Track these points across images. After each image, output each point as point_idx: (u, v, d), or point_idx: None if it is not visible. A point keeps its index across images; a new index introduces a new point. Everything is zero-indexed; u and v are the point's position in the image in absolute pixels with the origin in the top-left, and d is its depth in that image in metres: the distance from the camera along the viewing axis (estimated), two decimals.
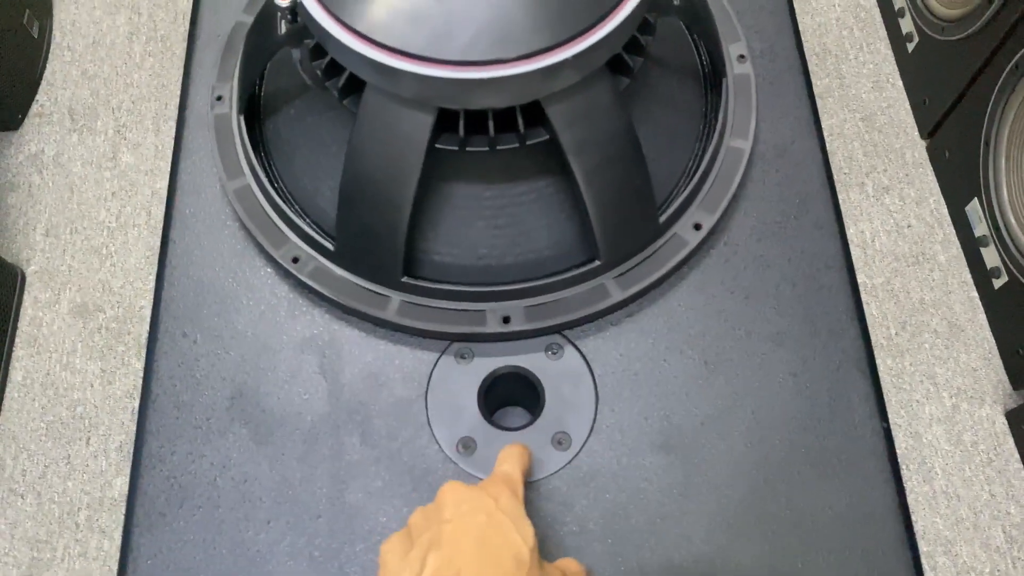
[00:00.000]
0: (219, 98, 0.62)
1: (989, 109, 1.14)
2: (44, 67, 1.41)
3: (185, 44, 1.42)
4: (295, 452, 0.53)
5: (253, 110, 0.62)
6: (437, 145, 0.50)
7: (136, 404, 1.15)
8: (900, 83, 1.38)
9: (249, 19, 0.64)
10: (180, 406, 0.55)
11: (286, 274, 0.58)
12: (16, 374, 1.20)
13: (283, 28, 0.53)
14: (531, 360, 0.55)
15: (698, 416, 0.54)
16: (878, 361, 1.16)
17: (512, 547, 0.40)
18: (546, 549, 0.50)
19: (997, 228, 1.16)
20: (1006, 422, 1.15)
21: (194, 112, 0.65)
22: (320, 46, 0.50)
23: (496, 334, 0.55)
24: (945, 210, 1.29)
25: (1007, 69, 1.10)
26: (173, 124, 1.34)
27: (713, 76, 0.62)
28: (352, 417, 0.54)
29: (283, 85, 0.61)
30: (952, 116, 1.26)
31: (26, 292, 1.25)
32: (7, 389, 1.19)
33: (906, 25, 1.36)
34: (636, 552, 0.50)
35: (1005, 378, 1.18)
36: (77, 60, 1.42)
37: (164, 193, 1.29)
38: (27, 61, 1.38)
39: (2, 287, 1.21)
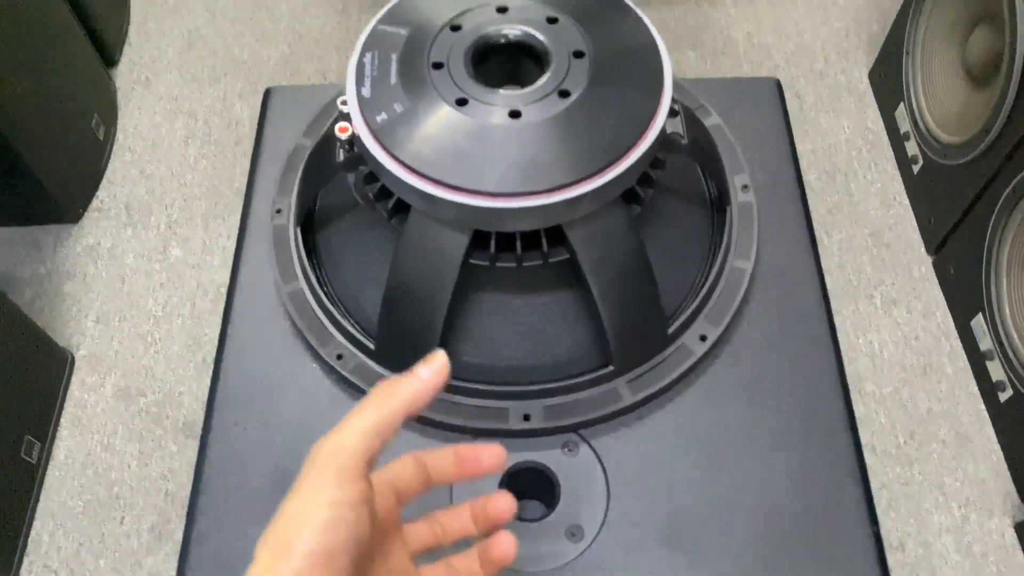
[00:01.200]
0: (278, 211, 0.70)
1: (990, 229, 1.21)
2: (106, 166, 1.52)
3: (235, 148, 1.53)
4: None
5: (308, 222, 0.69)
6: (471, 260, 0.57)
7: (170, 486, 1.21)
8: (907, 201, 1.46)
9: (308, 142, 0.73)
10: (228, 488, 0.61)
11: (330, 369, 0.64)
12: (59, 452, 1.26)
13: (341, 156, 0.61)
14: (548, 456, 0.61)
15: (702, 513, 0.59)
16: (887, 469, 1.20)
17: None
18: None
19: (1001, 343, 1.21)
20: (1015, 534, 1.17)
21: (255, 222, 0.73)
22: (373, 173, 0.58)
23: (517, 431, 0.60)
24: (952, 324, 1.34)
25: (1005, 193, 1.17)
26: (221, 222, 1.45)
27: (719, 202, 0.69)
28: None
29: (336, 202, 0.69)
30: (955, 234, 1.32)
31: (74, 375, 1.32)
32: (49, 467, 1.25)
33: (911, 148, 1.44)
34: None
35: (1014, 490, 1.20)
36: (136, 160, 1.54)
37: (208, 285, 1.38)
38: (91, 161, 1.50)
39: (52, 369, 1.29)
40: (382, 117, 0.55)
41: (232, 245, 1.39)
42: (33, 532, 1.20)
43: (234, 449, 0.62)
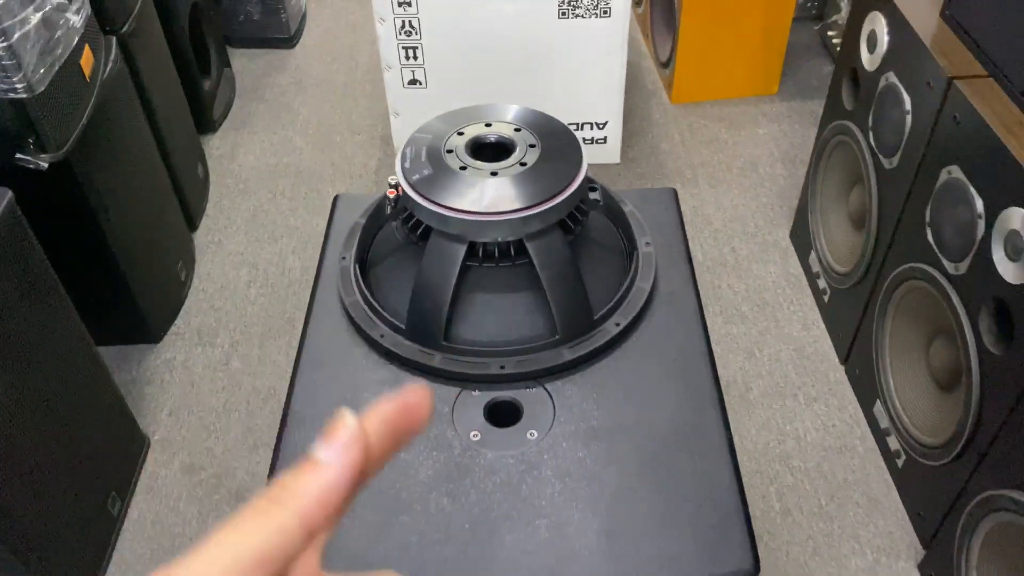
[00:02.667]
0: (343, 258, 1.07)
1: (874, 339, 1.56)
2: (184, 300, 1.92)
3: (287, 289, 1.92)
4: None
5: (362, 265, 1.07)
6: (467, 263, 0.94)
7: None
8: (823, 325, 1.82)
9: (362, 220, 1.12)
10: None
11: (376, 344, 0.98)
12: (133, 513, 1.54)
13: (388, 209, 1.00)
14: (516, 393, 0.94)
15: (612, 426, 0.90)
16: (812, 524, 1.47)
17: None
18: (525, 481, 0.85)
19: (894, 421, 1.52)
20: (919, 573, 1.42)
21: (326, 271, 1.10)
22: (411, 214, 0.96)
23: (495, 375, 0.94)
24: (862, 415, 1.65)
25: (880, 319, 1.54)
26: (273, 342, 1.81)
27: (630, 249, 1.07)
28: None
29: (378, 253, 1.06)
30: (856, 344, 1.67)
31: (149, 454, 1.63)
32: (124, 525, 1.52)
33: (822, 282, 1.82)
34: (572, 491, 0.85)
35: (916, 539, 1.46)
36: (208, 298, 1.93)
37: (261, 388, 1.72)
38: (173, 297, 1.90)
39: (133, 448, 1.60)
40: (416, 177, 0.94)
41: (283, 359, 1.76)
42: (107, 575, 1.46)
43: (313, 385, 0.95)
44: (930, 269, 1.34)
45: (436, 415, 0.92)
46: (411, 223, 0.98)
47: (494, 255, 0.95)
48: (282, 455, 0.89)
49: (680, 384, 0.95)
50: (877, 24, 1.50)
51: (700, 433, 0.90)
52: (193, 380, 1.76)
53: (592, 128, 2.15)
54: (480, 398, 0.93)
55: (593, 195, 1.03)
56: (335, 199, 1.21)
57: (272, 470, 0.92)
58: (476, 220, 0.91)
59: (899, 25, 1.43)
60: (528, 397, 0.93)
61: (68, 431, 1.36)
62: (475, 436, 0.90)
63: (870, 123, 1.54)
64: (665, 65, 2.50)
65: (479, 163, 0.96)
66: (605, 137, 2.19)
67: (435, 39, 1.98)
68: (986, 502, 1.19)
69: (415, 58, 2.01)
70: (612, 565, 0.79)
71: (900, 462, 1.51)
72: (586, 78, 2.06)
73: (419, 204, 0.93)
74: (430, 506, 0.84)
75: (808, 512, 1.51)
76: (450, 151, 0.97)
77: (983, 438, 1.23)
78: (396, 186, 0.98)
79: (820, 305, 1.85)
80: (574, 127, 2.14)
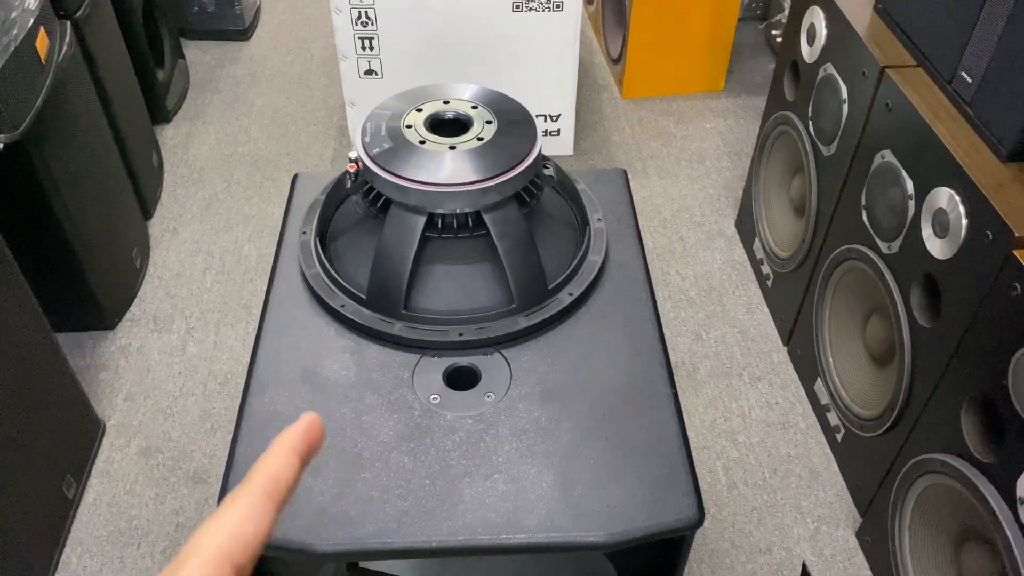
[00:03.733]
0: (304, 232, 1.10)
1: (814, 320, 1.63)
2: (139, 287, 1.91)
3: (243, 276, 1.93)
4: (337, 397, 0.93)
5: (323, 235, 1.09)
6: (427, 234, 0.97)
7: (181, 519, 1.49)
8: (767, 309, 1.89)
9: (322, 197, 1.14)
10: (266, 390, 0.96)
11: (337, 315, 1.01)
12: (88, 496, 1.54)
13: (349, 183, 1.03)
14: (475, 359, 0.97)
15: (564, 386, 0.95)
16: (757, 496, 1.54)
17: None
18: (489, 441, 0.89)
19: (833, 397, 1.59)
20: (856, 540, 1.49)
21: (287, 243, 1.12)
22: (372, 187, 0.99)
23: (454, 342, 0.97)
24: (803, 393, 1.72)
25: (822, 287, 1.61)
26: (230, 328, 1.82)
27: (582, 225, 1.11)
28: (370, 384, 0.95)
29: (337, 227, 1.09)
30: (798, 326, 1.75)
31: (105, 438, 1.62)
32: (80, 508, 1.52)
33: (766, 268, 1.90)
34: (528, 447, 0.89)
35: (854, 508, 1.53)
36: (163, 285, 1.93)
37: (218, 373, 1.72)
38: (128, 284, 1.89)
39: (89, 433, 1.60)
40: (376, 151, 0.98)
41: (240, 345, 1.77)
42: (63, 556, 1.46)
43: (274, 357, 0.98)
44: (865, 249, 1.42)
45: (396, 380, 0.95)
46: (371, 196, 1.01)
47: (452, 227, 0.99)
48: (244, 423, 0.92)
49: (629, 348, 0.99)
50: (816, 18, 1.58)
51: (648, 392, 0.95)
52: (149, 366, 1.76)
53: (546, 120, 2.20)
54: (439, 364, 0.97)
55: (547, 171, 1.07)
56: (294, 177, 1.23)
57: (235, 439, 0.94)
58: (435, 191, 0.94)
59: (836, 18, 1.51)
60: (486, 363, 0.97)
61: (23, 415, 1.36)
62: (435, 399, 0.93)
63: (809, 113, 1.62)
64: (616, 61, 2.56)
65: (438, 138, 1.00)
66: (559, 129, 2.24)
67: (391, 30, 2.01)
68: (917, 466, 1.26)
69: (371, 48, 2.04)
70: (566, 514, 0.83)
71: (839, 436, 1.59)
72: (540, 71, 2.11)
73: (379, 176, 0.96)
74: (391, 463, 0.88)
75: (753, 484, 1.57)
76: (409, 126, 1.01)
77: (915, 408, 1.31)
78: (356, 160, 1.02)
79: (764, 290, 1.93)
80: None
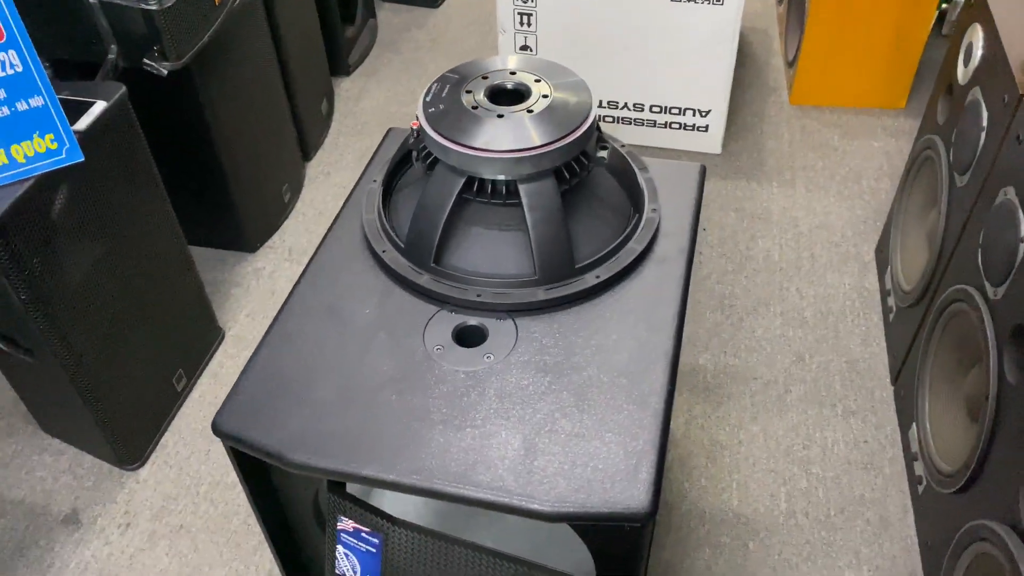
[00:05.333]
0: (374, 180, 1.18)
1: (919, 362, 1.51)
2: (284, 220, 2.10)
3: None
4: (352, 331, 1.00)
5: (388, 186, 1.17)
6: (465, 196, 1.02)
7: None
8: (883, 343, 1.77)
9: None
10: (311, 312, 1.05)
11: (377, 258, 1.08)
12: (195, 393, 1.73)
13: (411, 141, 1.09)
14: (486, 321, 1.01)
15: (561, 363, 0.96)
16: (815, 531, 1.46)
17: None
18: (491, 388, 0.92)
19: (921, 446, 1.47)
20: None
21: (359, 191, 1.20)
22: (424, 147, 1.05)
23: (472, 301, 1.01)
24: (899, 438, 1.60)
25: (927, 339, 1.49)
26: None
27: (634, 212, 1.11)
28: (385, 326, 1.01)
29: (406, 181, 1.16)
30: (906, 366, 1.62)
31: (221, 346, 1.81)
32: (186, 401, 1.72)
33: (891, 300, 1.77)
34: (507, 411, 0.91)
35: (920, 568, 1.42)
36: (306, 222, 2.11)
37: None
38: (274, 215, 2.08)
39: (207, 337, 1.79)
40: (431, 111, 1.03)
41: None
42: (163, 439, 1.65)
43: (312, 294, 1.06)
44: (973, 291, 1.30)
45: (410, 327, 1.01)
46: (423, 153, 1.07)
47: (489, 192, 1.02)
48: (267, 338, 1.01)
49: (641, 341, 0.99)
50: (975, 36, 1.44)
51: (643, 385, 0.94)
52: (275, 290, 1.94)
53: (694, 115, 2.16)
54: (453, 319, 1.01)
55: (602, 153, 1.08)
56: (387, 132, 1.32)
57: (255, 352, 1.02)
58: (473, 155, 0.98)
59: (992, 39, 1.37)
60: (496, 326, 1.01)
61: (150, 311, 1.56)
62: (438, 349, 0.98)
63: (953, 138, 1.49)
64: (791, 64, 2.45)
65: (491, 105, 1.03)
66: (707, 125, 2.19)
67: (549, 7, 2.06)
68: (970, 531, 1.15)
69: (528, 24, 2.10)
70: (519, 479, 0.86)
71: (920, 488, 1.47)
72: (693, 64, 2.08)
73: (429, 136, 1.01)
74: (379, 399, 0.94)
75: (813, 519, 1.49)
76: (469, 92, 1.05)
77: (990, 469, 1.19)
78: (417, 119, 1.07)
79: (885, 323, 1.80)
80: (675, 111, 2.16)
